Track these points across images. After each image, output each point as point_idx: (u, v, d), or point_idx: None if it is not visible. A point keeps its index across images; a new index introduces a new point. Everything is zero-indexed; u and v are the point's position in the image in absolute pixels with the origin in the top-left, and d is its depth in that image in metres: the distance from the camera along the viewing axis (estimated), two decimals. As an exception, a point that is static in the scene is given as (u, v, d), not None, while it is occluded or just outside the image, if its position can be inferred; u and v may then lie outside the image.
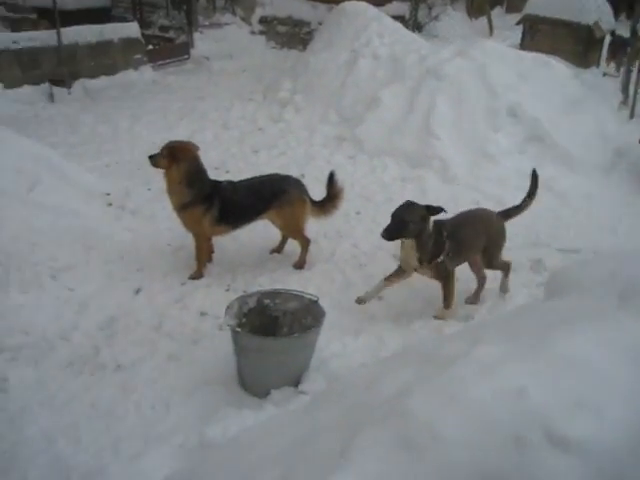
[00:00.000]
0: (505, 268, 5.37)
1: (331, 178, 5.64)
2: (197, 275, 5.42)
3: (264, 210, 5.49)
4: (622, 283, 2.52)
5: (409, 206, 4.72)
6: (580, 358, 2.01)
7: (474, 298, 5.31)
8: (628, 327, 2.14)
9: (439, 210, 4.65)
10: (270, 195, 5.44)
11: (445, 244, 4.81)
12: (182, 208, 5.30)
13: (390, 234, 4.64)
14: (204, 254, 5.50)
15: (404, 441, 1.91)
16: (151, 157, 5.38)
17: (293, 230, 5.67)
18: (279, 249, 5.89)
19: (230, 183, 5.49)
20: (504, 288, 5.38)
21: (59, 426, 3.85)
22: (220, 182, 5.46)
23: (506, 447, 1.80)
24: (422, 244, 4.72)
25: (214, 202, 5.28)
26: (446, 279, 4.95)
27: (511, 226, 6.48)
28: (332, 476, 1.90)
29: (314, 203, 5.66)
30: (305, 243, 5.67)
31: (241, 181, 5.60)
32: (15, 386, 4.16)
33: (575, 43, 13.04)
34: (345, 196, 6.11)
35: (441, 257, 4.82)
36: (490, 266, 5.28)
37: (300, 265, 5.65)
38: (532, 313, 2.59)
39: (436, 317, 4.96)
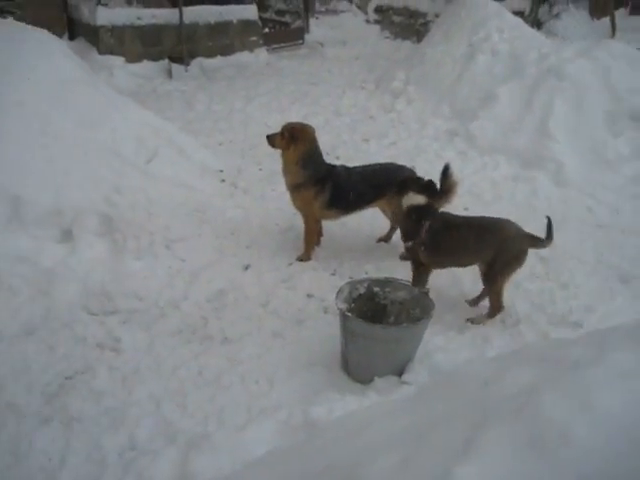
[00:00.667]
0: (495, 303, 4.76)
1: (446, 171, 5.40)
2: (305, 257, 5.48)
3: (376, 198, 5.49)
4: None
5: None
6: None
7: (474, 301, 5.05)
8: None
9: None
10: (384, 184, 5.40)
11: (421, 232, 4.66)
12: (295, 188, 5.36)
13: None
14: (313, 237, 5.54)
15: (533, 441, 1.88)
16: (269, 137, 5.43)
17: None
18: (387, 238, 5.89)
19: (345, 168, 5.51)
20: (476, 320, 4.77)
21: (167, 390, 4.00)
22: (335, 166, 5.49)
23: (642, 458, 1.75)
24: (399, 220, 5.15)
25: (327, 186, 5.31)
26: (412, 267, 4.89)
27: (627, 235, 6.29)
28: (457, 467, 1.89)
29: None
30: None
31: (356, 167, 5.60)
32: (127, 348, 4.35)
33: None
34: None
35: (409, 243, 4.76)
36: (485, 283, 4.78)
37: (406, 257, 5.61)
38: (665, 324, 2.49)
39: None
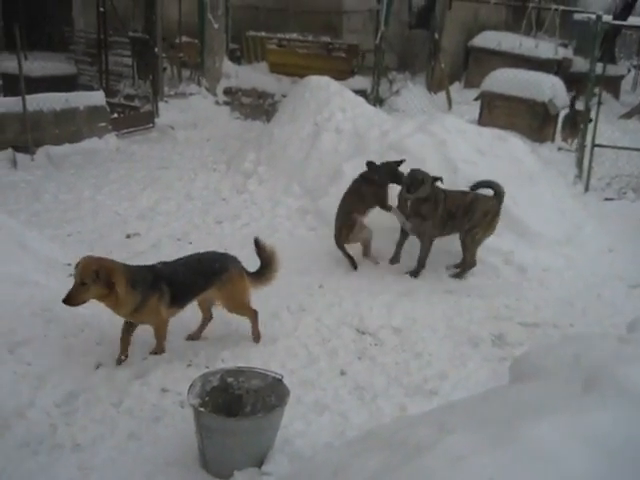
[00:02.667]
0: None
1: (257, 244, 5.58)
2: (159, 350, 5.29)
3: (207, 286, 5.27)
4: (586, 369, 2.55)
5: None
6: (547, 449, 2.02)
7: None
8: (593, 417, 2.16)
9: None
10: (213, 271, 5.28)
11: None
12: (136, 311, 4.96)
13: None
14: (165, 330, 5.32)
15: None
16: (70, 297, 4.68)
17: (238, 306, 5.49)
18: (197, 335, 5.63)
19: (165, 264, 5.25)
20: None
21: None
22: (154, 266, 5.17)
23: (477, 543, 1.79)
24: None
25: (161, 286, 5.01)
26: None
27: (473, 299, 6.63)
28: None
29: (251, 275, 5.51)
30: (253, 315, 5.53)
31: (177, 260, 5.39)
32: (-33, 467, 4.02)
33: (531, 119, 13.47)
34: (306, 269, 6.17)
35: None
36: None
37: (257, 337, 5.56)
38: (498, 398, 2.60)
39: None
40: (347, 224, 7.18)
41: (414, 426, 2.70)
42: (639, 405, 2.07)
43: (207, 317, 5.60)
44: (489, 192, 7.17)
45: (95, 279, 4.62)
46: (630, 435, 1.97)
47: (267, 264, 5.52)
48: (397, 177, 7.28)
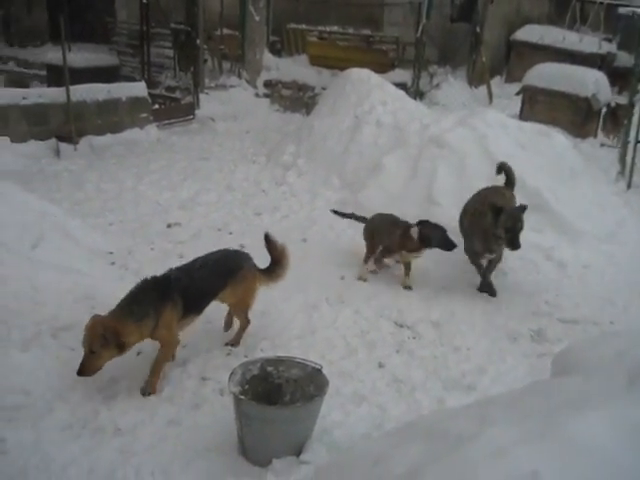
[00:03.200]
0: None
1: (267, 240, 5.42)
2: (153, 390, 4.68)
3: (223, 287, 5.08)
4: (630, 363, 2.53)
5: None
6: (590, 442, 2.01)
7: None
8: (637, 410, 2.14)
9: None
10: (228, 270, 5.12)
11: None
12: (153, 334, 4.66)
13: None
14: (165, 365, 4.84)
15: (416, 525, 1.90)
16: (82, 369, 4.43)
17: (245, 307, 5.31)
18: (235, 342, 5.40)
19: (179, 270, 4.96)
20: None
21: (55, 492, 3.81)
22: (167, 275, 4.87)
23: (520, 534, 1.79)
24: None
25: (174, 296, 4.70)
26: None
27: (512, 295, 6.58)
28: None
29: (262, 272, 5.35)
30: (247, 323, 5.36)
31: (194, 262, 5.11)
32: (13, 447, 4.12)
33: (573, 114, 13.26)
34: (345, 262, 6.20)
35: None
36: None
37: (236, 342, 5.33)
38: (540, 392, 2.59)
39: None
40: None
41: (454, 418, 2.70)
42: (686, 401, 2.05)
43: (245, 322, 5.40)
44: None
45: (104, 344, 4.34)
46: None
47: (277, 261, 5.40)
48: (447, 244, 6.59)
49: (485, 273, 6.66)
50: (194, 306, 4.91)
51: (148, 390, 4.66)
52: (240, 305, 5.29)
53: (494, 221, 6.15)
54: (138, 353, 5.16)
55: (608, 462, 1.93)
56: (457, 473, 1.99)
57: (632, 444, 1.99)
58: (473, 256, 6.66)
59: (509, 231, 6.13)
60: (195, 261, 5.11)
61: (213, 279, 5.02)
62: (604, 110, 13.61)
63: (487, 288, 6.61)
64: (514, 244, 6.17)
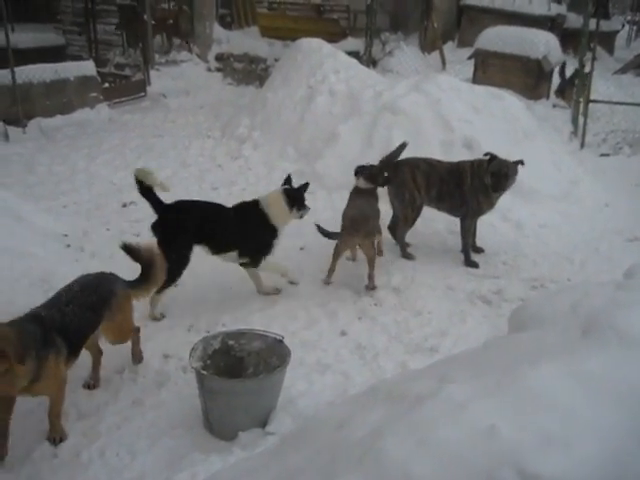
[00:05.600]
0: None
1: (129, 250, 4.60)
2: (63, 436, 4.02)
3: (99, 321, 4.23)
4: (584, 315, 2.56)
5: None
6: (547, 393, 2.04)
7: None
8: (591, 360, 2.17)
9: None
10: (100, 303, 4.20)
11: None
12: (36, 380, 3.70)
13: None
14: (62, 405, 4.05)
15: (378, 484, 1.91)
16: None
17: (126, 335, 4.59)
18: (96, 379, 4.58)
19: (49, 308, 4.03)
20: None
21: (20, 477, 3.76)
22: (38, 314, 3.90)
23: (479, 487, 1.81)
24: None
25: (55, 340, 3.82)
26: None
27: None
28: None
29: (132, 286, 4.53)
30: (137, 335, 4.73)
31: (56, 299, 4.15)
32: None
33: (525, 76, 13.38)
34: (302, 233, 6.19)
35: None
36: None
37: (138, 357, 4.77)
38: (497, 348, 2.62)
39: None
40: None
41: (415, 379, 2.72)
42: (636, 347, 2.08)
43: (98, 354, 4.57)
44: None
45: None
46: (627, 376, 1.98)
47: (148, 268, 4.56)
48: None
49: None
50: (75, 348, 4.04)
51: (57, 436, 3.99)
52: (120, 336, 4.53)
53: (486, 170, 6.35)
54: (98, 334, 5.11)
55: (563, 411, 1.96)
56: (416, 431, 2.00)
57: (586, 393, 2.02)
58: (476, 217, 6.69)
59: (494, 175, 6.28)
60: (58, 296, 4.17)
61: (88, 313, 4.10)
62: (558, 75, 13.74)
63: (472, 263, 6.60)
64: (496, 188, 6.33)
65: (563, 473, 1.81)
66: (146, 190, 5.27)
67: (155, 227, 5.39)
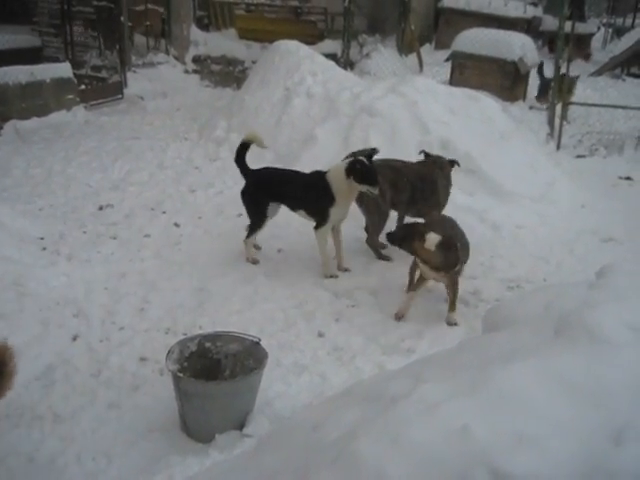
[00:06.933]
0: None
1: None
2: None
3: None
4: (556, 314, 2.58)
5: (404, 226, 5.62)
6: (519, 392, 2.05)
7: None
8: (563, 360, 2.19)
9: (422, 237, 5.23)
10: None
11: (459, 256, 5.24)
12: None
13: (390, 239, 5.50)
14: None
15: (352, 485, 1.91)
16: None
17: None
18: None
19: None
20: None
21: (-6, 482, 3.73)
22: None
23: (452, 486, 1.82)
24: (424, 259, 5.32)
25: None
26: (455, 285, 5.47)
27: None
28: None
29: None
30: None
31: None
32: (-53, 444, 4.01)
33: (502, 78, 13.47)
34: (278, 235, 6.17)
35: (457, 267, 5.25)
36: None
37: None
38: (471, 348, 2.63)
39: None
40: None
41: (391, 380, 2.72)
42: (607, 346, 2.10)
43: None
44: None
45: None
46: (598, 375, 2.00)
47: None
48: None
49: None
50: None
51: None
52: None
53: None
54: (75, 338, 5.09)
55: (536, 411, 1.97)
56: (389, 432, 2.01)
57: (559, 392, 2.03)
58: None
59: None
60: None
61: None
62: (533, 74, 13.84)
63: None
64: None
65: (536, 472, 1.82)
66: (242, 157, 6.44)
67: (244, 190, 6.47)
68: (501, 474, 1.80)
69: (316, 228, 6.23)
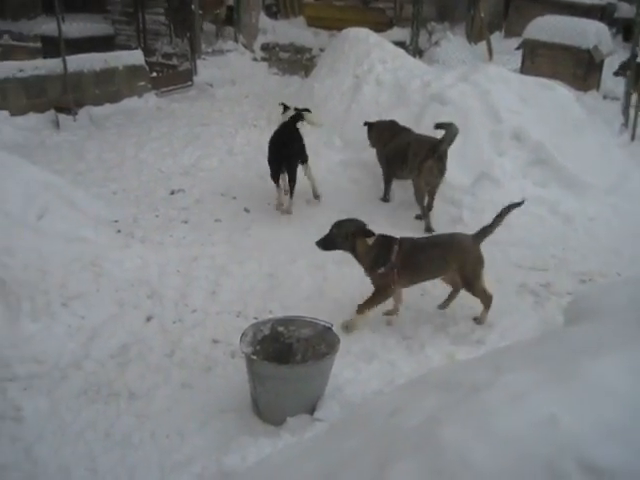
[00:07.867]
0: (484, 299, 5.27)
1: None
2: None
3: None
4: (642, 309, 2.53)
5: (342, 223, 5.15)
6: (607, 385, 2.01)
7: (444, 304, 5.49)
8: (652, 353, 2.15)
9: (368, 233, 4.99)
10: None
11: (391, 257, 4.97)
12: None
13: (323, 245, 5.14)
14: None
15: (436, 471, 1.91)
16: None
17: None
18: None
19: None
20: (481, 319, 5.31)
21: (74, 456, 3.86)
22: None
23: (539, 476, 1.80)
24: (359, 256, 5.09)
25: None
26: (377, 290, 5.09)
27: (520, 249, 6.56)
28: (365, 507, 1.90)
29: None
30: None
31: None
32: (30, 415, 4.18)
33: (575, 67, 13.13)
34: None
35: (382, 269, 4.98)
36: (469, 290, 5.27)
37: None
38: (554, 340, 2.59)
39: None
40: None
41: (467, 369, 2.71)
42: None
43: None
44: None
45: None
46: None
47: None
48: None
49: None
50: None
51: None
52: None
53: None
54: (149, 319, 5.21)
55: (625, 404, 1.93)
56: (474, 419, 2.00)
57: (648, 386, 2.00)
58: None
59: None
60: None
61: None
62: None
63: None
64: None
65: (623, 464, 1.79)
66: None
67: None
68: (590, 466, 1.77)
69: None
